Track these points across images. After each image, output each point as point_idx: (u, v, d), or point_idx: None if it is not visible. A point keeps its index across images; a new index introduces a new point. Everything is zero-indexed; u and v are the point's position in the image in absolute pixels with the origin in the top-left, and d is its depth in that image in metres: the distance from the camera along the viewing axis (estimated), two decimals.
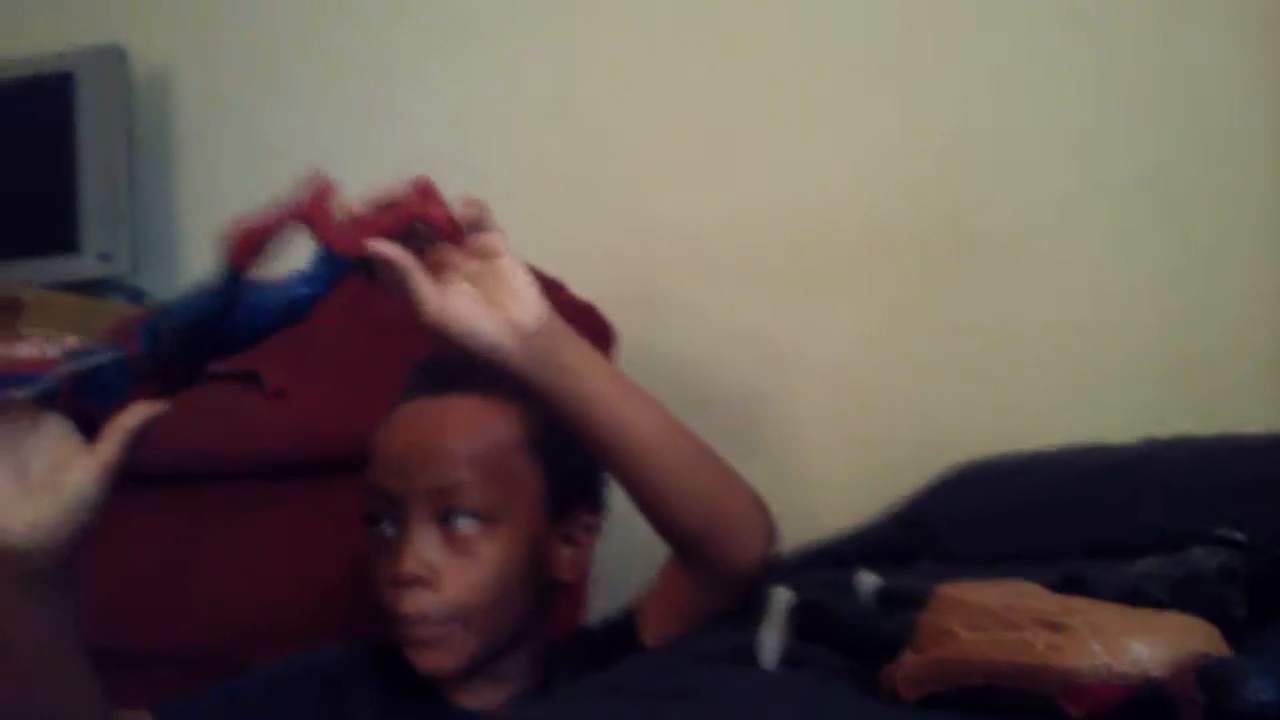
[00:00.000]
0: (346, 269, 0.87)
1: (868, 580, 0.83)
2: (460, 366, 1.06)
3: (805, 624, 0.81)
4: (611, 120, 1.83)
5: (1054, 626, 0.59)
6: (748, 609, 0.88)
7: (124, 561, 1.46)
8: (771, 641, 0.82)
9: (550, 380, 0.90)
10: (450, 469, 1.05)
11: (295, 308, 0.87)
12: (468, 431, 1.07)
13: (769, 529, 1.04)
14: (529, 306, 0.89)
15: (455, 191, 1.80)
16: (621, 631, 1.10)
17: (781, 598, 0.83)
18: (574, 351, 0.92)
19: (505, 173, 1.85)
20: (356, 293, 1.45)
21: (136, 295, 2.14)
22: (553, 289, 1.48)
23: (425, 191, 0.87)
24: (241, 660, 1.33)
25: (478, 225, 0.89)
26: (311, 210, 0.86)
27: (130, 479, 1.52)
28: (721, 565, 1.00)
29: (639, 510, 0.99)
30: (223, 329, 0.85)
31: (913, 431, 1.56)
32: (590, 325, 1.48)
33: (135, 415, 0.84)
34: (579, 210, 1.82)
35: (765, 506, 1.04)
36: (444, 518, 1.05)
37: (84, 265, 2.10)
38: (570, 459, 1.09)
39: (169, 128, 2.25)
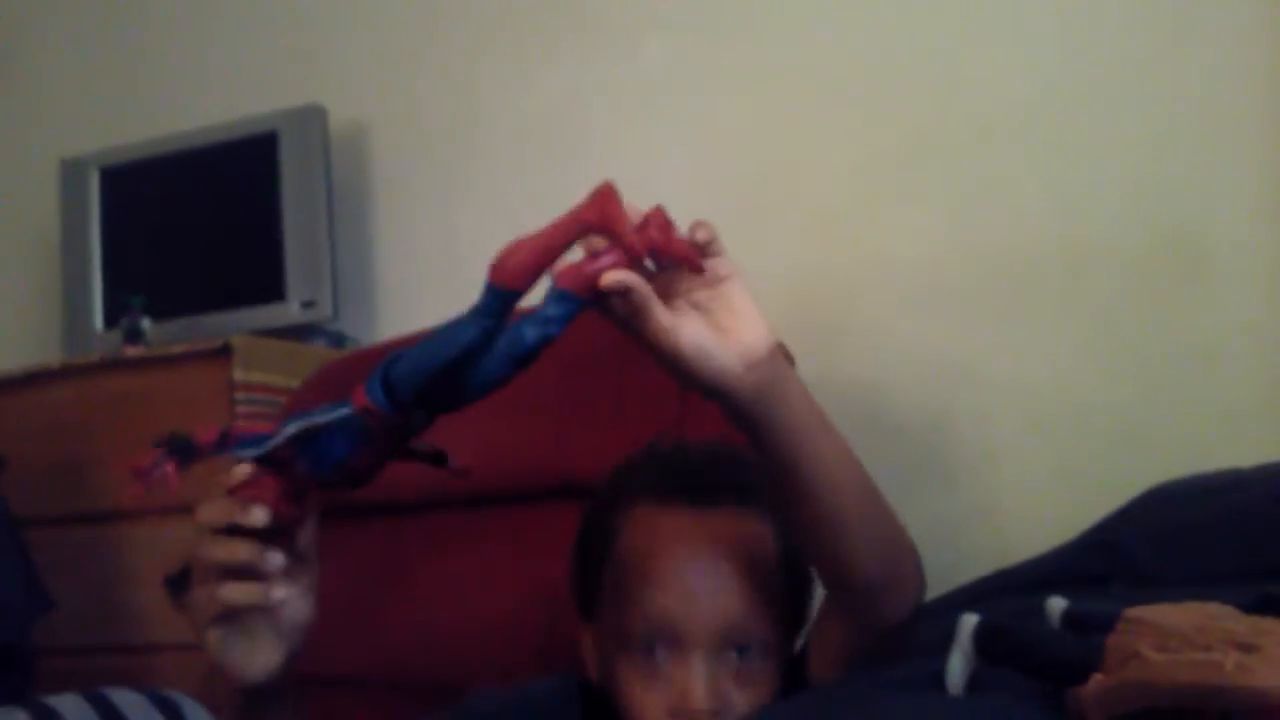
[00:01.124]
0: (583, 305, 0.82)
1: (1056, 604, 0.82)
2: (720, 474, 1.04)
3: (991, 647, 0.80)
4: (797, 152, 1.84)
5: (1244, 647, 0.57)
6: (937, 639, 0.87)
7: (332, 588, 1.54)
8: (958, 666, 0.82)
9: (769, 411, 0.84)
10: (741, 603, 1.01)
11: (533, 352, 0.82)
12: (748, 558, 1.02)
13: (922, 578, 1.00)
14: (759, 332, 0.83)
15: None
16: (795, 669, 1.08)
17: (969, 623, 0.82)
18: (794, 382, 0.87)
19: (691, 207, 1.88)
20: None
21: (338, 339, 2.25)
22: None
23: (663, 224, 0.83)
24: (442, 682, 1.38)
25: (709, 250, 0.86)
26: (609, 215, 0.80)
27: (340, 510, 1.61)
28: (888, 614, 0.95)
29: (814, 557, 0.96)
30: (470, 373, 0.81)
31: (1112, 458, 1.52)
32: None
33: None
34: (765, 243, 1.84)
35: (914, 545, 1.00)
36: (733, 648, 1.00)
37: (289, 312, 2.22)
38: (804, 572, 1.07)
39: (366, 181, 2.36)
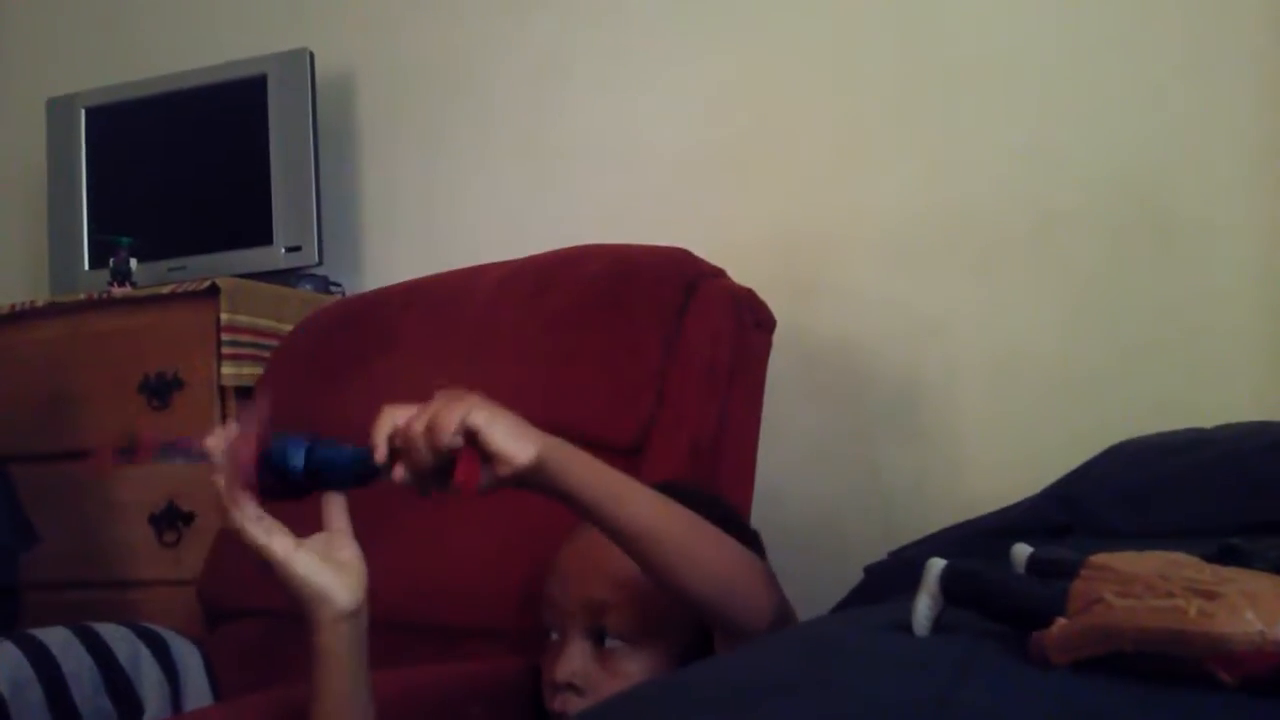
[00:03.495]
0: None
1: (1021, 550, 0.84)
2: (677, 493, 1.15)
3: (957, 590, 0.82)
4: (778, 111, 1.86)
5: (1207, 594, 0.59)
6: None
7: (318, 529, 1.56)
8: (924, 608, 0.84)
9: (563, 496, 0.99)
10: (600, 590, 1.13)
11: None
12: (618, 559, 1.07)
13: (772, 584, 1.08)
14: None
15: (628, 180, 1.86)
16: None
17: (935, 566, 0.85)
18: (574, 472, 1.00)
19: (672, 168, 1.90)
20: (532, 291, 1.53)
21: (324, 284, 2.26)
22: (714, 276, 1.54)
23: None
24: (431, 623, 1.41)
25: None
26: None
27: None
28: (741, 620, 1.05)
29: (656, 584, 1.04)
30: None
31: (1078, 415, 1.55)
32: (751, 310, 1.51)
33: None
34: (742, 200, 1.85)
35: (761, 565, 1.10)
36: (597, 634, 1.13)
37: (275, 256, 2.24)
38: None
39: (352, 127, 2.37)
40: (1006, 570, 0.84)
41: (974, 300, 1.64)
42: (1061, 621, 0.67)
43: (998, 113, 1.68)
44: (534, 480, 0.96)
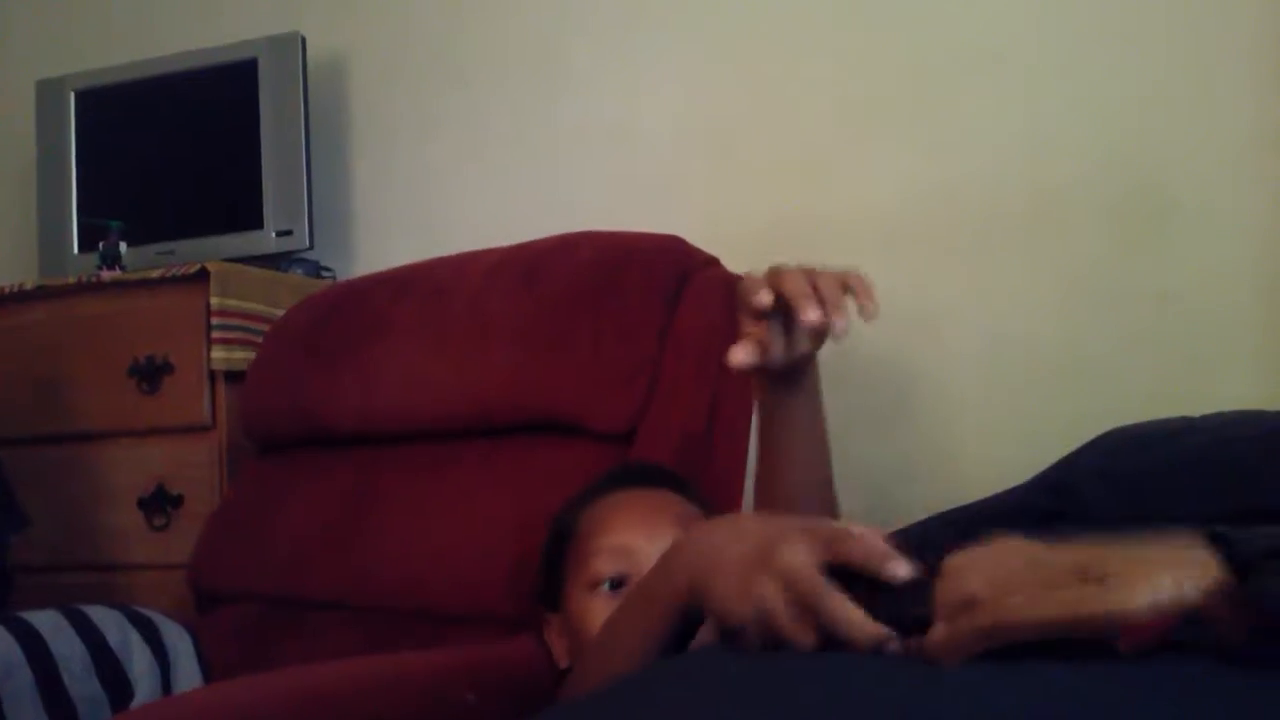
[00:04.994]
0: None
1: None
2: (660, 473, 1.21)
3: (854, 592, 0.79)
4: (774, 94, 1.85)
5: (1097, 577, 0.61)
6: None
7: (309, 514, 1.57)
8: None
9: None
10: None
11: None
12: (685, 513, 1.16)
13: None
14: None
15: (622, 167, 1.86)
16: None
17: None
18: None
19: (666, 155, 1.90)
20: (524, 277, 1.54)
21: (314, 269, 2.26)
22: (708, 264, 1.54)
23: None
24: (418, 609, 1.42)
25: None
26: None
27: (317, 441, 1.63)
28: None
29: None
30: None
31: (1072, 402, 1.55)
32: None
33: None
34: (736, 188, 1.85)
35: None
36: None
37: (265, 241, 2.23)
38: None
39: (344, 112, 2.36)
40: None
41: (967, 286, 1.65)
42: (940, 627, 0.66)
43: (992, 96, 1.68)
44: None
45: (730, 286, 1.49)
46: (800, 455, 1.15)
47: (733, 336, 1.03)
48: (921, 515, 1.21)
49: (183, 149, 2.38)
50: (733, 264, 1.53)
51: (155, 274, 2.05)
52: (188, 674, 1.44)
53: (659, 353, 1.44)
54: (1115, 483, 1.11)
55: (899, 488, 1.62)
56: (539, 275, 1.55)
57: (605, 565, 1.10)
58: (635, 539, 1.11)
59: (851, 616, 0.69)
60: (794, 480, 1.15)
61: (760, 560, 0.74)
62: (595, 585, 1.11)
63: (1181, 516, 0.98)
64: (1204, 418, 1.22)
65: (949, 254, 1.66)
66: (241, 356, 1.94)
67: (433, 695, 1.06)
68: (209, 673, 1.46)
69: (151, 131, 2.41)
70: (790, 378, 1.09)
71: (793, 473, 1.14)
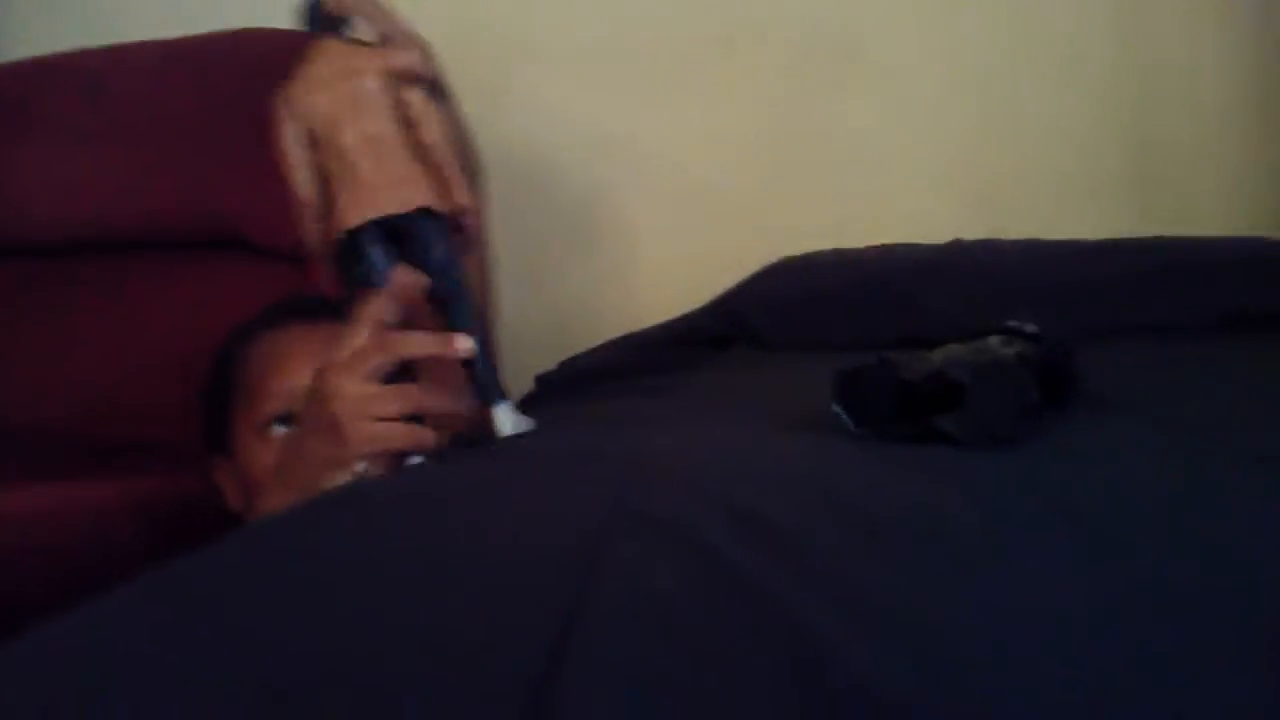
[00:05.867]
0: None
1: None
2: (327, 303, 1.06)
3: None
4: None
5: None
6: None
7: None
8: None
9: None
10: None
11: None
12: None
13: None
14: None
15: None
16: None
17: None
18: None
19: None
20: (198, 69, 1.42)
21: None
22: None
23: None
24: (86, 435, 1.33)
25: None
26: None
27: (13, 251, 1.46)
28: None
29: None
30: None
31: (746, 234, 1.58)
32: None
33: None
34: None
35: None
36: None
37: None
38: None
39: None
40: None
41: (656, 117, 1.65)
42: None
43: None
44: None
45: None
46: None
47: None
48: (602, 336, 1.25)
49: None
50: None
51: None
52: None
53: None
54: (781, 309, 1.17)
55: (580, 310, 1.64)
56: (211, 71, 1.42)
57: (274, 406, 1.05)
58: (304, 380, 1.08)
59: (430, 398, 0.77)
60: None
61: (329, 427, 0.78)
62: (264, 426, 1.06)
63: (843, 344, 1.05)
64: (866, 249, 1.30)
65: (645, 82, 1.66)
66: None
67: (94, 530, 1.01)
68: None
69: None
70: None
71: None
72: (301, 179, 0.83)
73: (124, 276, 1.41)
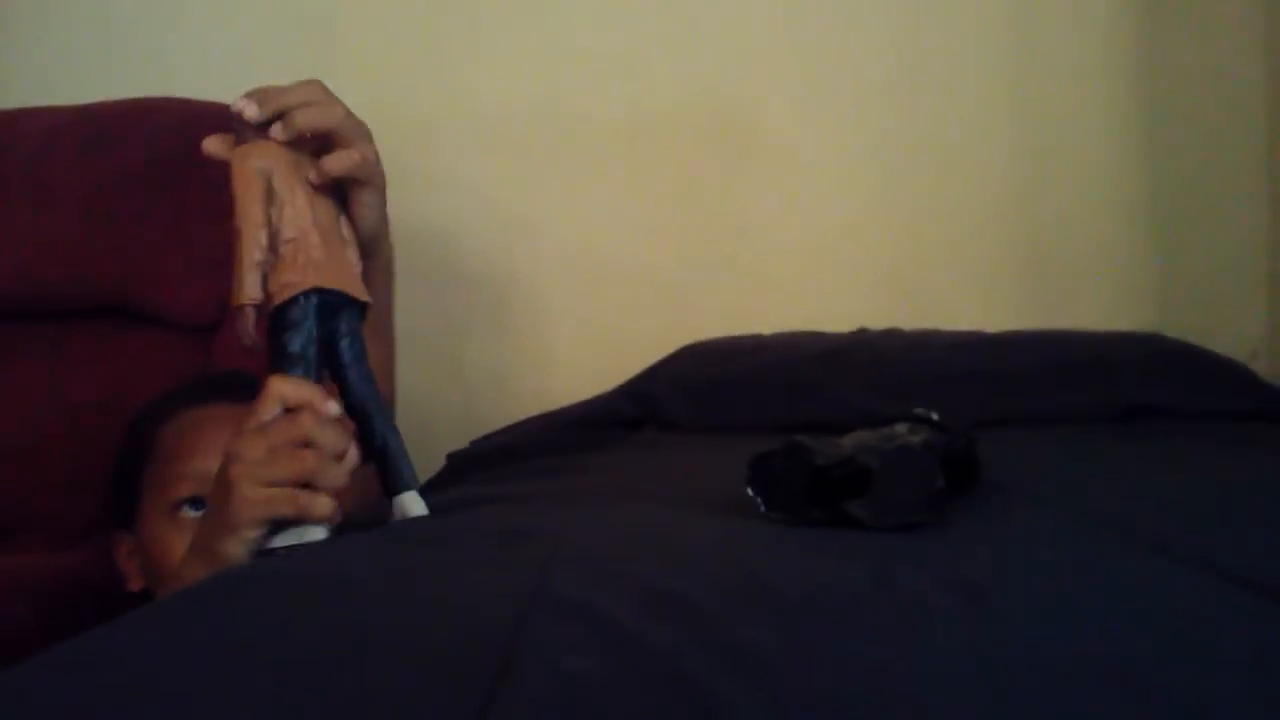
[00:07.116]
0: None
1: None
2: (246, 382, 1.06)
3: None
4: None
5: None
6: None
7: None
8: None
9: None
10: None
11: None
12: None
13: None
14: None
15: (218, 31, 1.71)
16: None
17: None
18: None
19: (259, 33, 1.77)
20: (97, 137, 1.39)
21: None
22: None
23: None
24: None
25: None
26: None
27: None
28: None
29: None
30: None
31: (656, 318, 1.60)
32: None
33: None
34: (340, 76, 1.74)
35: None
36: None
37: None
38: None
39: None
40: None
41: (567, 200, 1.66)
42: None
43: (592, 12, 1.69)
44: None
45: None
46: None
47: None
48: (514, 418, 1.24)
49: None
50: None
51: None
52: None
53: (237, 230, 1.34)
54: (692, 393, 1.18)
55: (492, 392, 1.63)
56: (110, 142, 1.40)
57: (186, 489, 1.03)
58: (217, 463, 1.06)
59: (323, 467, 0.77)
60: None
61: (223, 489, 0.79)
62: (175, 508, 1.04)
63: (749, 426, 1.07)
64: (774, 336, 1.32)
65: (550, 162, 1.67)
66: None
67: None
68: None
69: None
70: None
71: None
72: (256, 237, 0.82)
73: (12, 346, 1.36)
